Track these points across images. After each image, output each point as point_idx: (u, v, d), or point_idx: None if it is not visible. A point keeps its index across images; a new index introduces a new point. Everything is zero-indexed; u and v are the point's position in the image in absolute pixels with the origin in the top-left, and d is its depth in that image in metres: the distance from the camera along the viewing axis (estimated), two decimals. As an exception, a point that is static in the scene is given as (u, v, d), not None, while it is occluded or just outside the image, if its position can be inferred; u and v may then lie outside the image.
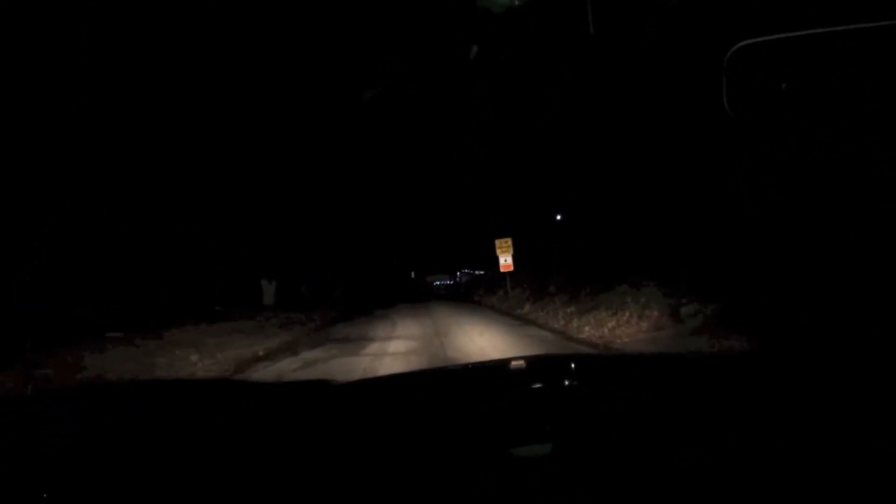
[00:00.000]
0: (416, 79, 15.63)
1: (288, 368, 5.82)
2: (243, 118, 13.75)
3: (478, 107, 17.16)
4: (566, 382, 1.16)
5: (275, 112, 14.88)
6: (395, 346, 7.19)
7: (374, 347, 7.13)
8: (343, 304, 17.34)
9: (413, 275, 38.85)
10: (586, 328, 7.65)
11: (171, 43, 10.20)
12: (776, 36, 1.18)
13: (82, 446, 0.77)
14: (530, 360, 1.80)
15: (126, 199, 10.78)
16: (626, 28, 8.89)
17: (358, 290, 22.86)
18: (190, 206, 13.08)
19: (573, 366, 1.39)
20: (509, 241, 14.23)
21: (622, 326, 7.23)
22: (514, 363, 1.63)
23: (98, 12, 8.22)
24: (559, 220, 17.70)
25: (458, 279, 34.88)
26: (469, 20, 12.18)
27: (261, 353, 6.74)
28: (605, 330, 7.33)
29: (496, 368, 1.56)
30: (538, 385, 1.19)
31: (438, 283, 34.15)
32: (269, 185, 15.76)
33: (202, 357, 5.97)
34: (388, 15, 13.80)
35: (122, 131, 10.05)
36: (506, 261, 14.16)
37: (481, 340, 7.43)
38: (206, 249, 13.83)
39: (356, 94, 16.35)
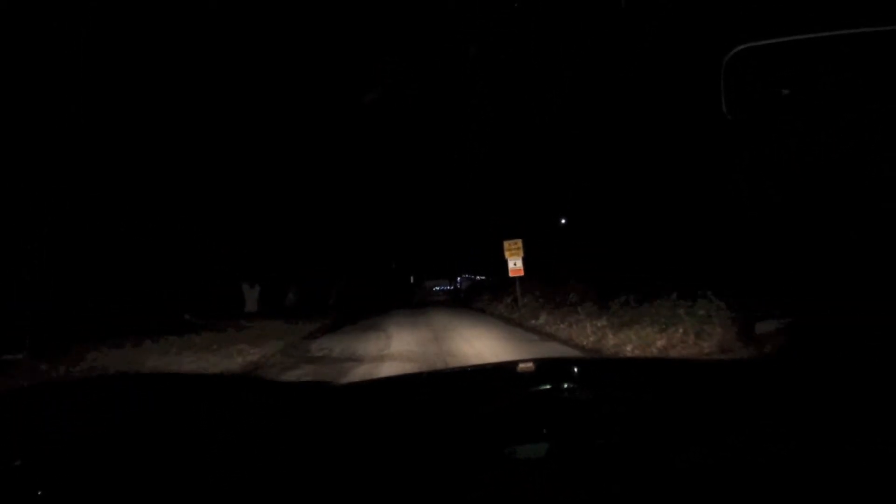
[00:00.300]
0: (416, 79, 15.32)
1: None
2: (233, 110, 12.66)
3: (478, 107, 16.81)
4: (567, 385, 1.14)
5: (267, 107, 13.81)
6: (388, 370, 5.63)
7: (359, 373, 5.56)
8: (335, 311, 15.80)
9: (412, 279, 37.38)
10: (627, 347, 6.11)
11: (171, 43, 9.97)
12: (775, 40, 1.15)
13: (79, 442, 0.74)
14: (530, 363, 1.87)
15: (96, 192, 9.46)
16: (627, 28, 8.80)
17: (354, 295, 21.60)
18: (170, 203, 11.65)
19: (575, 369, 1.36)
20: (519, 242, 12.71)
21: (676, 346, 5.69)
22: (513, 366, 1.65)
23: (98, 12, 8.13)
24: (572, 221, 16.42)
25: (458, 284, 33.71)
26: (469, 20, 12.34)
27: (212, 380, 5.17)
28: (654, 350, 5.80)
29: (496, 371, 1.55)
30: (539, 387, 1.19)
31: (438, 288, 32.69)
32: (259, 182, 14.43)
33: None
34: (388, 15, 13.58)
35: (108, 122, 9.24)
36: (515, 264, 12.63)
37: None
38: (185, 249, 12.31)
39: (354, 92, 15.82)
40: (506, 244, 12.75)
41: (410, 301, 24.95)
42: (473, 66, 14.08)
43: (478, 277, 33.50)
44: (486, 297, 17.43)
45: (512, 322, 11.00)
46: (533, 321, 9.90)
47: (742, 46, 1.18)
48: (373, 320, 12.73)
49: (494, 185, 18.56)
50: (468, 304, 19.48)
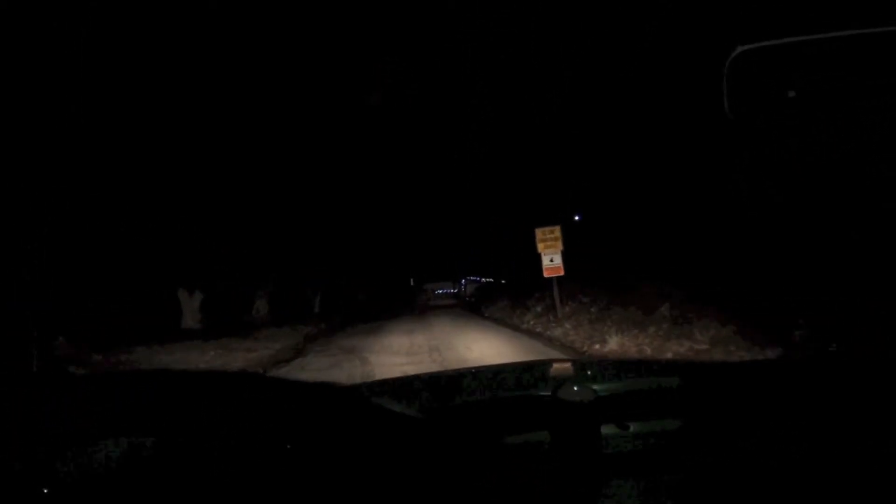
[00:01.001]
0: (416, 79, 15.49)
1: None
2: (214, 92, 10.71)
3: (478, 107, 17.02)
4: (574, 385, 1.06)
5: (258, 98, 12.04)
6: None
7: None
8: (315, 323, 12.33)
9: (412, 282, 34.19)
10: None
11: (171, 43, 9.73)
12: (779, 41, 1.13)
13: (84, 438, 0.68)
14: (530, 364, 1.84)
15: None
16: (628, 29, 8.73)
17: (347, 299, 18.66)
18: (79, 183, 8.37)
19: (587, 371, 1.37)
20: (557, 230, 9.32)
21: None
22: (513, 367, 1.66)
23: (98, 12, 8.14)
24: (599, 215, 13.46)
25: (462, 287, 30.84)
26: (469, 20, 12.40)
27: None
28: None
29: (498, 372, 1.55)
30: (540, 388, 1.17)
31: (440, 291, 29.74)
32: (235, 172, 11.41)
33: None
34: (388, 15, 13.35)
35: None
36: (552, 261, 9.22)
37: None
38: (103, 244, 8.86)
39: (353, 91, 15.51)
40: (538, 233, 9.35)
41: (410, 305, 21.95)
42: (473, 66, 14.19)
43: (484, 279, 30.72)
44: (503, 304, 14.08)
45: (555, 343, 7.51)
46: (596, 346, 6.40)
47: (744, 47, 1.15)
48: (358, 337, 9.37)
49: (495, 185, 18.32)
50: (478, 311, 16.12)
